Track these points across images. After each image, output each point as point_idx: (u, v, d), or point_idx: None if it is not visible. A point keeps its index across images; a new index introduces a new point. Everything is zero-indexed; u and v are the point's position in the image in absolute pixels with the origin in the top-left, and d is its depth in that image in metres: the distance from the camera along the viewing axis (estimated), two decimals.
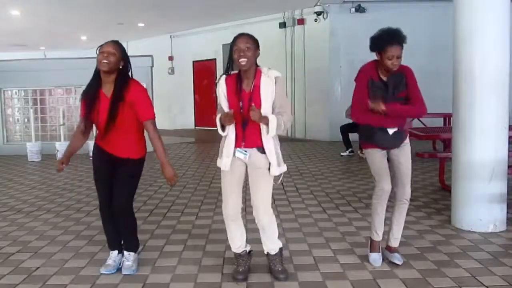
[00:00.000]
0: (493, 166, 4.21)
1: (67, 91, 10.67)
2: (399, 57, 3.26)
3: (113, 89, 3.27)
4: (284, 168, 3.23)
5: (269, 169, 3.18)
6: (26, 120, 10.60)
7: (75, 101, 10.67)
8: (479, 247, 3.88)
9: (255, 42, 3.13)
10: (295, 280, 3.28)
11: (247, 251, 3.39)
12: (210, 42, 14.10)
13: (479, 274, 3.33)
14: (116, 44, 3.32)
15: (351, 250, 3.85)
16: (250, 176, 3.26)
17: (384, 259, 3.55)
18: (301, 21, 12.15)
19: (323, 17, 11.52)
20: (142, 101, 3.31)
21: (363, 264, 3.55)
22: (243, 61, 3.05)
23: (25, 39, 15.54)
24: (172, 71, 15.97)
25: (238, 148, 3.19)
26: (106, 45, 3.29)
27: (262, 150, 3.18)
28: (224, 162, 3.22)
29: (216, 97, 3.32)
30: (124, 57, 3.32)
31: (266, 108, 3.11)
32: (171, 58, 15.86)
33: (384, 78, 3.37)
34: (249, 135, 3.16)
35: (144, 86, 3.47)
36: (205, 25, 13.92)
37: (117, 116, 3.25)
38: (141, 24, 13.86)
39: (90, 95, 3.32)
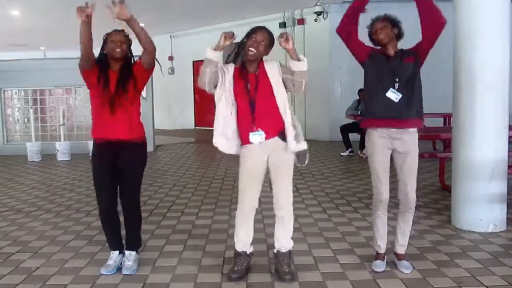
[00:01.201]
0: (493, 166, 4.21)
1: (67, 91, 10.68)
2: (382, 28, 3.26)
3: (122, 65, 3.38)
4: (304, 145, 3.23)
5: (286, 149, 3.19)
6: (26, 120, 10.60)
7: (75, 101, 10.69)
8: (479, 247, 3.88)
9: (271, 41, 3.19)
10: (294, 280, 3.28)
11: (248, 252, 3.38)
12: (210, 42, 14.06)
13: (479, 274, 3.33)
14: (124, 33, 3.40)
15: (351, 250, 3.85)
16: (272, 165, 3.25)
17: (390, 263, 3.48)
18: (301, 21, 12.15)
19: (323, 17, 11.53)
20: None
21: (363, 264, 3.55)
22: (252, 52, 3.11)
23: (25, 39, 15.54)
24: (172, 71, 15.97)
25: (251, 133, 3.16)
26: (115, 34, 3.36)
27: (283, 136, 3.18)
28: (219, 141, 3.21)
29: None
30: (128, 40, 3.42)
31: (275, 84, 3.15)
32: (171, 58, 15.86)
33: (391, 55, 3.30)
34: (260, 117, 3.15)
35: None
36: (205, 25, 13.91)
37: (127, 82, 3.29)
38: (141, 24, 13.78)
39: (101, 64, 3.36)
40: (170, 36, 15.60)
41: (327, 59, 11.55)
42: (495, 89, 4.19)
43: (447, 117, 8.61)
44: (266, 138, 3.16)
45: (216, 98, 3.21)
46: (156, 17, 12.66)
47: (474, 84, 4.20)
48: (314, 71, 12.77)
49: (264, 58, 3.24)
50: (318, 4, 11.24)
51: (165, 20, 13.29)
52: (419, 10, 3.24)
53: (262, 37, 3.13)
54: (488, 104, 4.19)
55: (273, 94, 3.15)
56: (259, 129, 3.14)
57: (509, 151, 4.40)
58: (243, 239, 3.35)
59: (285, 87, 3.20)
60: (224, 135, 3.20)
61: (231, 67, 3.24)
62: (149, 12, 11.93)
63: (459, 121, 4.35)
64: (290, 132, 3.16)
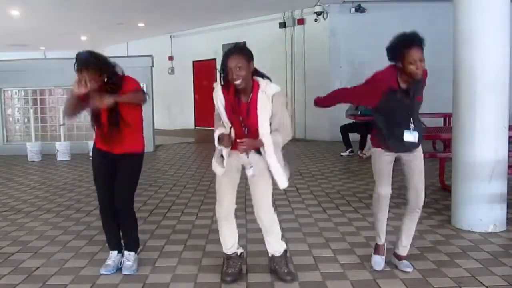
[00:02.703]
0: (493, 166, 4.21)
1: (67, 91, 10.66)
2: (421, 60, 3.01)
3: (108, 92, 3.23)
4: (287, 173, 3.20)
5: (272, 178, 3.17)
6: (26, 120, 10.60)
7: None
8: (479, 247, 3.88)
9: (246, 57, 2.98)
10: (295, 280, 3.28)
11: (238, 253, 3.37)
12: (210, 42, 14.09)
13: (479, 274, 3.33)
14: (88, 66, 3.12)
15: (351, 250, 3.85)
16: (249, 175, 3.23)
17: (389, 263, 3.48)
18: (301, 21, 12.15)
19: (323, 17, 11.52)
20: (131, 83, 3.31)
21: (363, 264, 3.55)
22: (238, 82, 2.96)
23: (25, 39, 15.55)
24: (172, 71, 15.97)
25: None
26: (80, 70, 3.12)
27: (259, 151, 3.16)
28: (219, 170, 3.21)
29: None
30: (102, 70, 3.19)
31: (263, 122, 3.04)
32: (171, 58, 15.86)
33: (404, 86, 3.14)
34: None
35: (139, 82, 3.46)
36: (205, 25, 13.92)
37: (118, 114, 3.26)
38: (141, 24, 13.86)
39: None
40: (170, 36, 15.60)
41: (327, 59, 11.54)
42: (495, 89, 4.19)
43: (447, 117, 8.61)
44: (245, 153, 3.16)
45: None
46: (156, 17, 12.66)
47: (474, 84, 4.20)
48: (314, 71, 12.87)
49: (261, 82, 3.06)
50: (318, 4, 11.23)
51: (165, 20, 13.29)
52: None
53: (235, 63, 2.93)
54: (488, 104, 4.19)
55: (257, 129, 3.06)
56: (253, 166, 3.14)
57: (509, 151, 4.40)
58: (228, 241, 3.34)
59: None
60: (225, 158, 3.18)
61: (219, 93, 3.10)
62: (149, 12, 11.94)
63: (459, 121, 4.35)
64: (278, 172, 3.12)
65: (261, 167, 3.17)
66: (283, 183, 3.15)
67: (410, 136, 3.20)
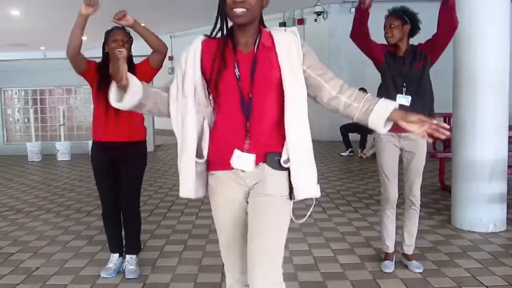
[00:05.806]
0: (493, 166, 4.21)
1: (67, 91, 10.69)
2: (392, 26, 3.24)
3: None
4: (317, 190, 2.02)
5: (289, 195, 1.95)
6: (26, 120, 10.62)
7: (75, 101, 10.69)
8: (479, 247, 3.88)
9: None
10: (295, 280, 3.27)
11: None
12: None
13: (479, 274, 3.33)
14: (125, 30, 3.36)
15: (351, 250, 3.85)
16: (250, 209, 1.91)
17: (397, 265, 3.46)
18: (301, 21, 12.16)
19: (323, 17, 11.53)
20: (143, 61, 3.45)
21: (363, 264, 3.55)
22: (239, 10, 1.72)
23: (25, 39, 15.54)
24: (172, 71, 15.97)
25: (237, 151, 1.81)
26: (117, 32, 3.31)
27: (277, 161, 1.84)
28: (183, 182, 1.86)
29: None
30: (131, 39, 3.41)
31: (287, 72, 1.78)
32: (171, 58, 15.86)
33: (400, 54, 3.29)
34: (255, 128, 1.81)
35: None
36: (205, 25, 13.87)
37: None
38: (141, 24, 13.86)
39: (102, 64, 3.33)
40: (170, 36, 15.61)
41: (327, 59, 11.54)
42: (495, 89, 4.19)
43: (447, 117, 8.60)
44: (250, 150, 1.82)
45: (172, 113, 1.97)
46: (156, 17, 12.66)
47: (474, 84, 4.20)
48: None
49: (274, 27, 1.89)
50: (318, 4, 11.25)
51: (165, 20, 13.30)
52: (440, 9, 3.36)
53: None
54: (488, 104, 4.19)
55: (279, 87, 1.79)
56: (251, 152, 1.81)
57: (509, 151, 4.40)
58: None
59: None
60: (192, 168, 1.84)
61: (196, 45, 1.91)
62: (149, 12, 11.94)
63: (459, 121, 4.35)
64: (307, 169, 1.95)
65: (275, 193, 1.91)
66: (313, 188, 2.03)
67: (403, 99, 3.21)
